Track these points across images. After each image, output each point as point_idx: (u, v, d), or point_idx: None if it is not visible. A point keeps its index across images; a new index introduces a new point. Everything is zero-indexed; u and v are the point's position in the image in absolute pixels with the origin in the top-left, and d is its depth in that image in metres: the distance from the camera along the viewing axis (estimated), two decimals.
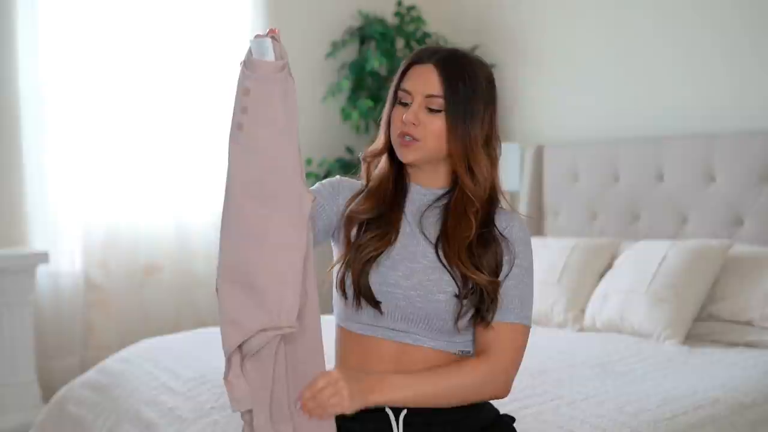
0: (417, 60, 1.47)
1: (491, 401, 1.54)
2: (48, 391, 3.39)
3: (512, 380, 1.46)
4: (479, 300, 1.41)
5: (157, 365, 2.60)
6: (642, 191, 3.43)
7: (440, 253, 1.43)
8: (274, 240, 1.26)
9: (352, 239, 1.46)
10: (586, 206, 3.65)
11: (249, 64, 1.26)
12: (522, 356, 1.47)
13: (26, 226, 3.44)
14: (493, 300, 1.41)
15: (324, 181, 1.54)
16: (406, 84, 1.46)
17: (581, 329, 3.07)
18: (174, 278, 3.78)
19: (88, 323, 3.62)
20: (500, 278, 1.43)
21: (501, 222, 1.47)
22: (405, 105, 1.46)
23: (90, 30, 3.54)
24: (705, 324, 2.88)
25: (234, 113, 1.28)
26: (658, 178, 3.39)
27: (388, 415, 1.41)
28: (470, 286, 1.41)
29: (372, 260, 1.42)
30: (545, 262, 3.26)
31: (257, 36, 1.27)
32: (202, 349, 2.70)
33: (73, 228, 3.54)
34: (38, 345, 3.41)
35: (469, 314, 1.42)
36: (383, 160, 1.52)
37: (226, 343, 1.27)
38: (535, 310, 3.20)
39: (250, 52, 1.27)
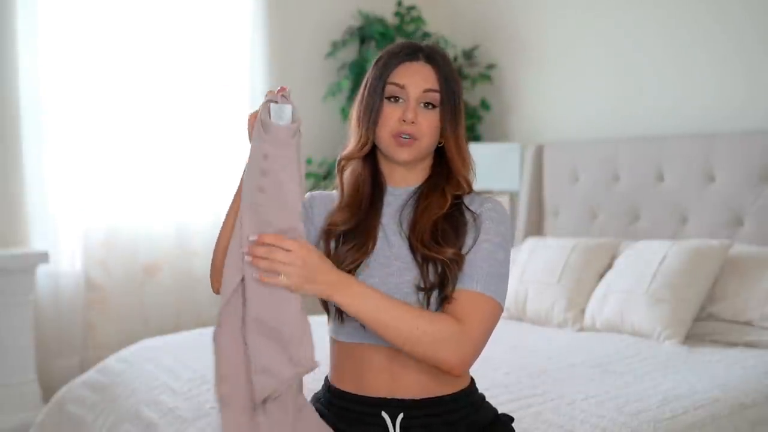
0: (406, 58, 1.45)
1: (489, 401, 1.54)
2: (48, 391, 3.39)
3: (474, 357, 1.35)
4: (440, 281, 1.37)
5: (157, 365, 2.60)
6: (642, 191, 3.43)
7: (409, 242, 1.41)
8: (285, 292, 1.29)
9: (331, 252, 1.44)
10: (586, 206, 3.65)
11: (267, 128, 1.28)
12: (489, 333, 1.36)
13: (26, 226, 3.44)
14: (453, 273, 1.36)
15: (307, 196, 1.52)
16: (399, 78, 1.43)
17: (581, 329, 3.07)
18: (174, 278, 3.78)
19: (88, 323, 3.62)
20: (463, 251, 1.38)
21: (474, 205, 1.45)
22: (396, 101, 1.43)
23: (90, 31, 3.54)
24: (705, 324, 2.88)
25: (251, 173, 1.30)
26: (658, 178, 3.39)
27: (384, 419, 1.41)
28: (432, 275, 1.37)
29: (351, 273, 1.39)
30: (545, 262, 3.26)
31: (273, 99, 1.29)
32: (202, 349, 2.69)
33: (73, 228, 3.54)
34: (38, 345, 3.41)
35: (436, 300, 1.37)
36: (356, 165, 1.49)
37: (260, 391, 1.29)
38: (535, 310, 3.20)
39: (267, 113, 1.29)
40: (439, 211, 1.42)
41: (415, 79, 1.43)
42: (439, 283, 1.37)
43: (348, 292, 1.30)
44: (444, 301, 1.36)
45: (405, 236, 1.44)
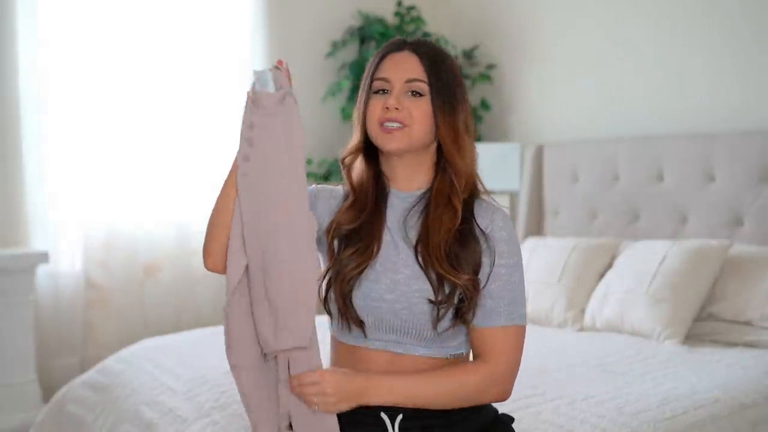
0: (391, 49, 1.45)
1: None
2: (48, 391, 3.39)
3: (513, 382, 1.44)
4: (459, 301, 1.38)
5: (157, 365, 2.60)
6: (642, 191, 3.43)
7: (419, 257, 1.40)
8: (282, 266, 1.33)
9: (335, 250, 1.44)
10: (586, 206, 3.65)
11: (253, 98, 1.31)
12: (520, 356, 1.44)
13: (26, 226, 3.44)
14: (472, 299, 1.38)
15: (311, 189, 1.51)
16: (383, 72, 1.43)
17: (581, 329, 3.07)
18: (174, 278, 3.78)
19: (88, 323, 3.62)
20: (480, 277, 1.39)
21: (482, 218, 1.43)
22: (383, 93, 1.42)
23: (90, 31, 3.54)
24: (705, 324, 2.88)
25: (241, 146, 1.34)
26: (658, 178, 3.39)
27: (383, 420, 1.41)
28: (447, 291, 1.38)
29: (354, 278, 1.40)
30: (545, 262, 3.26)
31: (257, 70, 1.32)
32: (202, 349, 2.70)
33: (73, 228, 3.54)
34: (38, 345, 3.41)
35: (449, 316, 1.39)
36: (360, 163, 1.48)
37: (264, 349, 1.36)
38: (535, 310, 3.20)
39: (253, 84, 1.31)
40: (451, 226, 1.39)
41: (398, 71, 1.42)
42: (457, 303, 1.39)
43: (380, 392, 1.36)
44: (462, 322, 1.40)
45: (411, 245, 1.42)
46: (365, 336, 1.42)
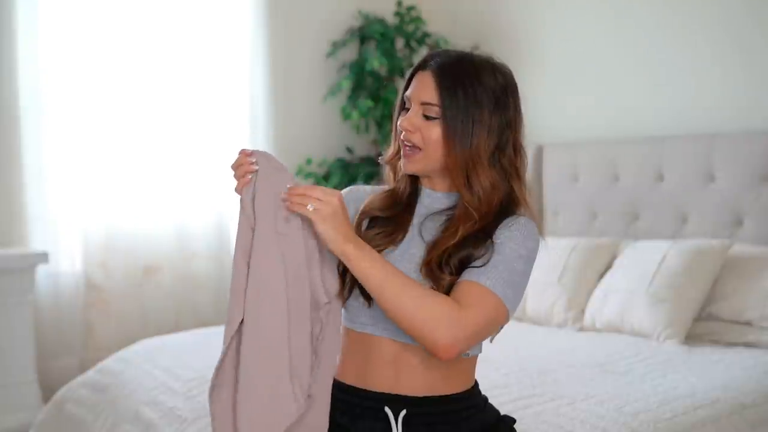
0: (421, 66, 1.44)
1: (491, 403, 1.54)
2: (48, 391, 3.39)
3: (463, 345, 1.30)
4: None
5: (157, 365, 2.60)
6: (642, 191, 3.43)
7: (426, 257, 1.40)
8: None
9: (362, 231, 1.47)
10: (586, 206, 3.65)
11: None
12: (487, 330, 1.34)
13: (26, 226, 3.44)
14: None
15: (344, 191, 1.53)
16: (408, 90, 1.44)
17: (581, 329, 3.07)
18: (173, 279, 3.78)
19: (87, 323, 3.62)
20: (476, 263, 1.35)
21: (506, 224, 1.40)
22: (408, 111, 1.44)
23: (90, 30, 3.55)
24: (705, 324, 2.88)
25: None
26: (658, 178, 3.39)
27: (386, 414, 1.41)
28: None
29: None
30: (545, 262, 3.26)
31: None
32: (202, 349, 2.70)
33: (73, 228, 3.54)
34: (38, 345, 3.41)
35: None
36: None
37: None
38: (535, 310, 3.20)
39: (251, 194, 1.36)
40: (452, 241, 1.38)
41: (416, 92, 1.42)
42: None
43: (361, 248, 1.31)
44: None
45: (424, 243, 1.43)
46: (380, 314, 1.40)
